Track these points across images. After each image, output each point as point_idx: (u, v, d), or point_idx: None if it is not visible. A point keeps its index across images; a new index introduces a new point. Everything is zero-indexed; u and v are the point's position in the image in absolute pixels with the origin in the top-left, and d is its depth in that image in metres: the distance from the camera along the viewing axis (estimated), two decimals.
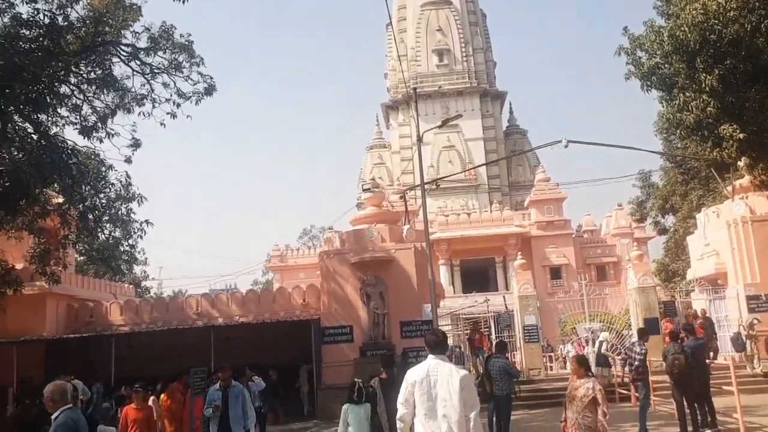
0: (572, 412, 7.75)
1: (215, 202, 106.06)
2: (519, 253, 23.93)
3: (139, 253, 35.00)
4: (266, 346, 20.86)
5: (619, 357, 15.07)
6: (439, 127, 17.84)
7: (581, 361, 8.07)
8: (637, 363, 12.84)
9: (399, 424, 5.78)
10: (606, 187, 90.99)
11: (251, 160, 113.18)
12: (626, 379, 14.65)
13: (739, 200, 20.47)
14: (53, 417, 5.17)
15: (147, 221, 23.50)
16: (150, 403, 16.67)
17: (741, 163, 21.19)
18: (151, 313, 21.46)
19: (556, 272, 39.96)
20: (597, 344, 18.22)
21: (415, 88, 21.11)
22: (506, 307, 22.83)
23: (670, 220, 32.20)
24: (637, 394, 13.90)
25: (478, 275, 40.70)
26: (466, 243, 39.01)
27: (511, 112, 56.13)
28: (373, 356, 18.20)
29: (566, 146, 20.27)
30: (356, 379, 8.82)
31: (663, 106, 16.45)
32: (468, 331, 20.92)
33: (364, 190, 21.06)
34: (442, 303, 24.86)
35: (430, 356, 5.86)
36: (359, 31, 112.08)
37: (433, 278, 16.80)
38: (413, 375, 5.76)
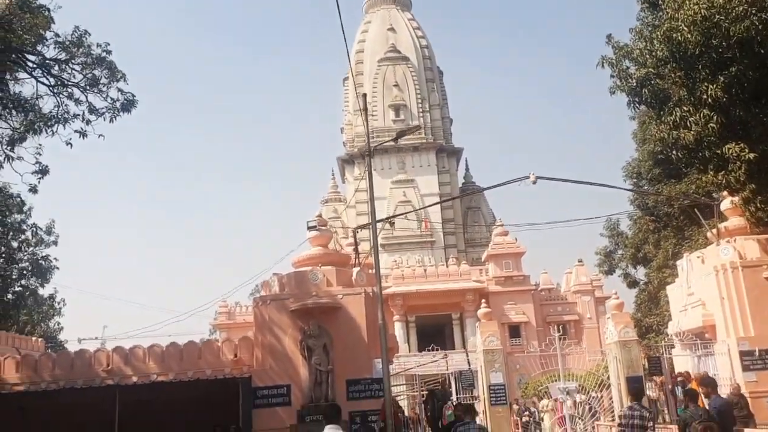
0: None
1: (167, 254, 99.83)
2: (483, 301, 20.71)
3: (58, 303, 30.85)
4: (189, 411, 17.04)
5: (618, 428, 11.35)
6: (394, 140, 14.67)
7: None
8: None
9: None
10: (566, 243, 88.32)
11: (203, 210, 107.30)
12: None
13: (726, 244, 17.67)
14: None
15: (54, 260, 19.94)
16: None
17: (725, 204, 18.61)
18: (52, 370, 17.40)
19: (515, 330, 36.88)
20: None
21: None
22: (469, 364, 19.48)
23: (640, 272, 29.44)
24: None
25: (435, 333, 37.42)
26: (422, 298, 35.83)
27: (467, 169, 54.00)
28: (313, 421, 14.64)
29: (534, 182, 17.46)
30: None
31: (654, 125, 13.78)
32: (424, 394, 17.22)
33: (308, 228, 17.66)
34: (395, 360, 21.39)
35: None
36: (315, 83, 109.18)
37: (384, 326, 13.41)
38: None
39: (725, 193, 17.68)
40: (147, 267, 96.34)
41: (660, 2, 13.49)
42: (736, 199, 15.76)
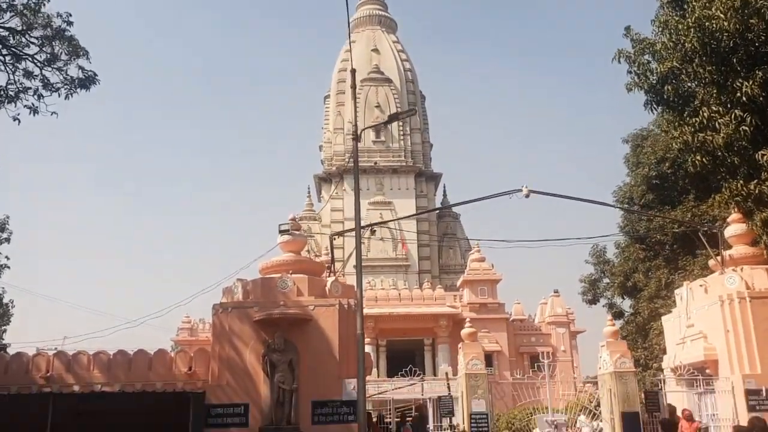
0: None
1: (135, 262, 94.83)
2: (468, 320, 18.81)
3: (6, 304, 28.14)
4: (137, 426, 14.83)
5: None
6: (385, 123, 12.86)
7: None
8: None
9: None
10: (543, 273, 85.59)
11: (174, 224, 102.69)
12: None
13: (732, 273, 16.01)
14: None
15: (6, 259, 17.79)
16: None
17: (730, 231, 17.01)
18: None
19: (487, 359, 34.79)
20: None
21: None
22: (449, 389, 17.46)
23: (626, 303, 27.69)
24: None
25: (405, 358, 35.25)
26: (394, 321, 33.76)
27: (445, 195, 52.18)
28: None
29: (527, 196, 15.85)
30: None
31: (674, 129, 12.07)
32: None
33: (280, 232, 15.63)
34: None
35: None
36: (295, 98, 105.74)
37: (362, 338, 11.42)
38: None
39: (733, 216, 16.11)
40: (112, 273, 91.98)
41: None
42: (750, 223, 14.11)
